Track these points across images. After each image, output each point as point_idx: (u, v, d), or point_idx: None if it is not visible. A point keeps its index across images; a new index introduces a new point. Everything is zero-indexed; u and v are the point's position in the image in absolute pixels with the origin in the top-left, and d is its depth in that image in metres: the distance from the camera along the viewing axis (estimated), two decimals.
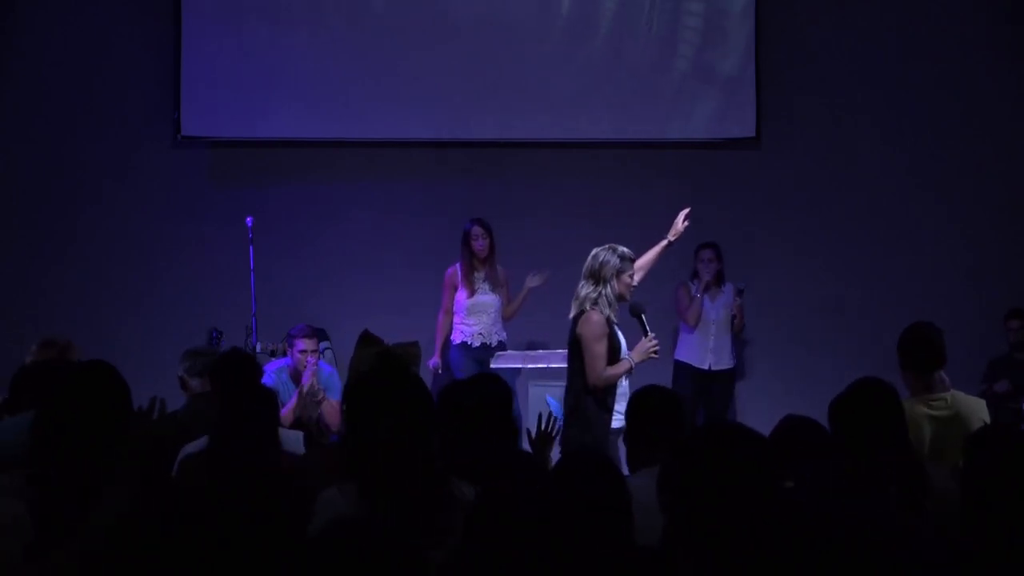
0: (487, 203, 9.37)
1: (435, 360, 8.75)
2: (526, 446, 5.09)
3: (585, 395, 6.17)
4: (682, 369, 9.06)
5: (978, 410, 5.27)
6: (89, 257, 9.51)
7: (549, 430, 4.80)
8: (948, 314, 8.69)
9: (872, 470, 4.00)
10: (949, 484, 4.18)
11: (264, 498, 2.98)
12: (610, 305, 6.21)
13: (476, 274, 8.75)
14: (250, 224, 8.71)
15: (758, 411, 8.69)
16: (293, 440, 5.30)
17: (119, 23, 9.56)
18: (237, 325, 8.51)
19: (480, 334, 8.71)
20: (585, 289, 6.25)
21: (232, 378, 5.45)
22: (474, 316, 8.72)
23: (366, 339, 5.36)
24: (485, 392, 4.30)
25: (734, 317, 9.03)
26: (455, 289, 8.78)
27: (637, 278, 6.43)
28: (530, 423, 7.34)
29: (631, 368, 6.22)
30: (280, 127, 9.57)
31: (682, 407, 4.57)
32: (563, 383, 8.08)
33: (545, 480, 3.34)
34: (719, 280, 9.09)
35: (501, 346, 8.70)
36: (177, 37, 9.48)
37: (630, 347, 6.29)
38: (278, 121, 9.55)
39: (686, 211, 7.07)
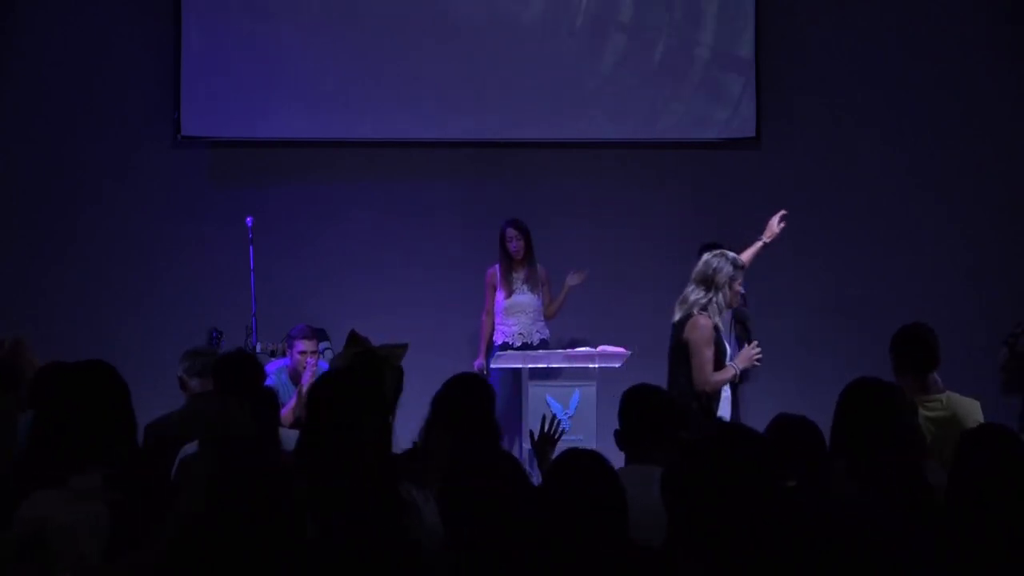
0: (487, 203, 9.37)
1: (480, 361, 8.82)
2: (528, 446, 5.10)
3: (691, 399, 6.18)
4: None
5: (973, 411, 5.27)
6: (89, 257, 9.50)
7: (552, 432, 4.80)
8: (948, 314, 8.70)
9: (872, 470, 4.00)
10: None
11: (264, 498, 2.98)
12: (719, 312, 6.24)
13: (514, 275, 8.82)
14: (250, 224, 8.71)
15: (758, 411, 8.66)
16: (293, 440, 5.30)
17: (119, 23, 9.55)
18: (237, 325, 8.50)
19: (520, 334, 8.77)
20: (695, 294, 6.26)
21: (233, 378, 5.45)
22: (513, 316, 8.78)
23: (352, 339, 5.36)
24: (465, 393, 4.33)
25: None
26: (495, 289, 8.83)
27: None
28: (530, 423, 7.34)
29: (736, 375, 6.25)
30: (280, 127, 9.57)
31: (672, 402, 4.58)
32: (562, 383, 8.19)
33: (525, 479, 3.35)
34: None
35: (544, 344, 8.76)
36: (177, 37, 9.47)
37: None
38: (278, 121, 9.54)
39: (782, 213, 7.10)
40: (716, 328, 6.21)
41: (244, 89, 9.50)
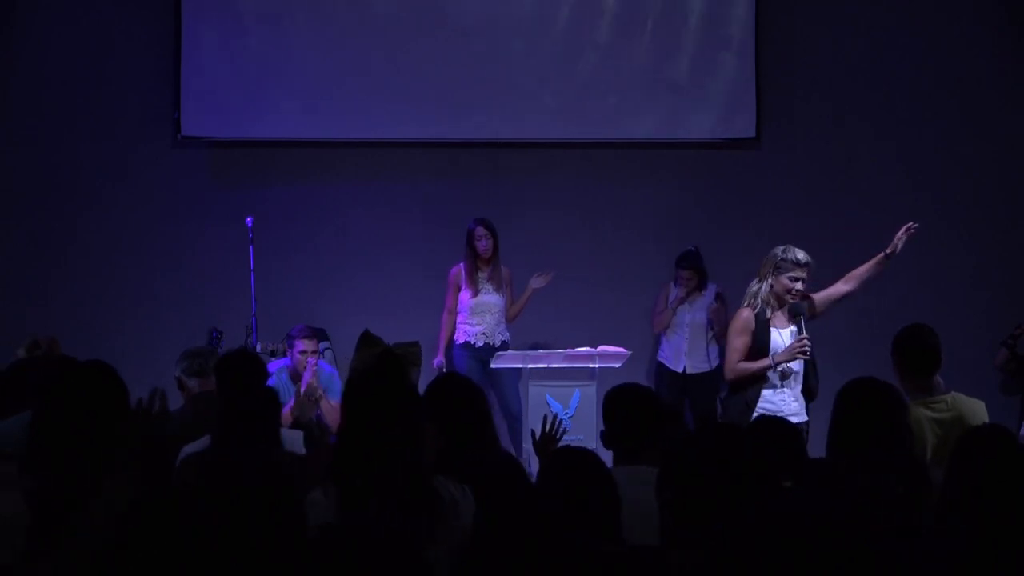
0: (487, 203, 9.36)
1: (439, 359, 8.77)
2: (528, 446, 5.10)
3: (728, 389, 6.41)
4: (660, 370, 9.05)
5: (979, 412, 5.26)
6: (89, 257, 9.50)
7: (553, 432, 4.81)
8: (948, 314, 8.70)
9: (871, 470, 4.00)
10: None
11: (264, 498, 2.98)
12: (766, 302, 6.28)
13: (480, 274, 8.77)
14: (250, 224, 8.71)
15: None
16: (293, 440, 5.30)
17: (119, 23, 9.55)
18: (237, 325, 8.50)
19: (483, 334, 8.73)
20: (751, 286, 6.40)
21: (235, 378, 5.45)
22: (477, 316, 8.74)
23: (367, 340, 5.36)
24: (458, 393, 4.34)
25: (712, 321, 8.92)
26: (459, 289, 8.80)
27: (845, 288, 6.58)
28: (531, 423, 7.34)
29: (770, 366, 6.24)
30: (280, 127, 9.57)
31: (656, 401, 4.58)
32: (563, 383, 8.18)
33: (524, 478, 3.35)
34: (701, 284, 8.98)
35: (504, 346, 8.71)
36: (177, 37, 9.47)
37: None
38: (278, 121, 9.54)
39: (910, 224, 6.86)
40: (759, 318, 6.26)
41: (244, 89, 9.49)
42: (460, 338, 8.76)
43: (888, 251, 6.81)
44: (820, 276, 9.68)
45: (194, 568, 2.76)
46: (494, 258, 8.79)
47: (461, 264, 8.82)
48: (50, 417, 3.50)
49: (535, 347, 8.79)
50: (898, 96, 9.76)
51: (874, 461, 4.03)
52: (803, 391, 6.34)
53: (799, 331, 6.29)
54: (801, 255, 6.34)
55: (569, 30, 9.62)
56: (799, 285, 6.32)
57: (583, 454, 3.27)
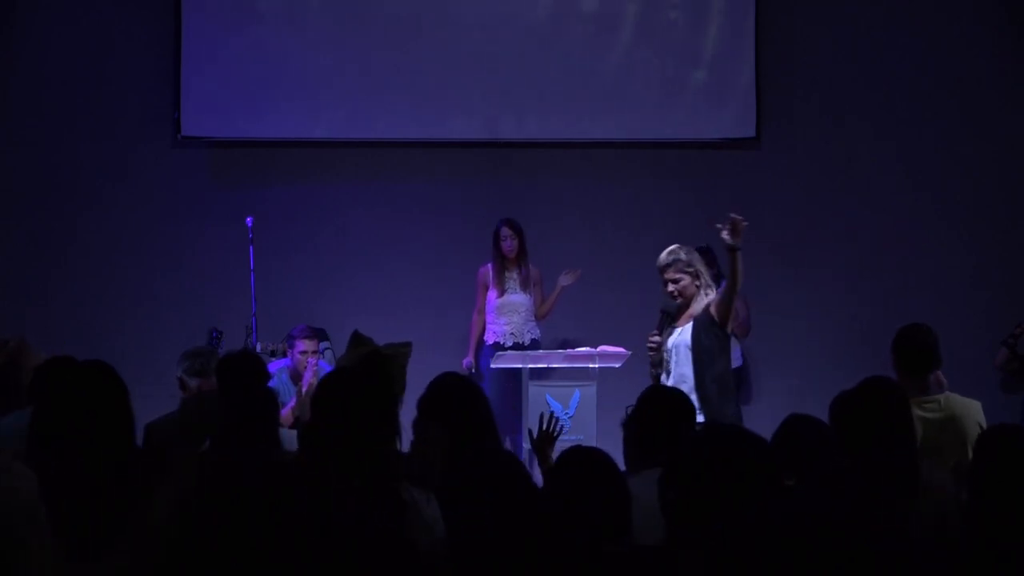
0: (487, 203, 9.37)
1: (468, 360, 8.83)
2: (528, 446, 5.10)
3: None
4: None
5: (973, 412, 5.26)
6: (89, 257, 9.50)
7: (551, 430, 4.81)
8: (949, 313, 8.70)
9: (873, 470, 4.00)
10: (949, 486, 4.17)
11: (264, 498, 2.98)
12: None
13: (507, 274, 8.82)
14: (250, 224, 8.72)
15: (759, 413, 8.68)
16: (293, 440, 5.30)
17: (119, 23, 9.55)
18: (237, 325, 8.51)
19: (512, 333, 8.78)
20: None
21: (236, 378, 5.45)
22: (504, 316, 8.79)
23: (356, 339, 5.35)
24: (451, 394, 4.34)
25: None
26: (487, 288, 8.84)
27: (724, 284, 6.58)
28: (530, 423, 7.34)
29: (652, 374, 6.44)
30: (280, 127, 9.57)
31: (690, 405, 4.58)
32: (562, 383, 8.20)
33: (526, 478, 3.35)
34: (715, 282, 8.94)
35: (535, 344, 8.75)
36: (177, 37, 9.48)
37: None
38: (278, 121, 9.55)
39: (733, 216, 6.45)
40: (664, 317, 6.51)
41: (244, 89, 9.50)
42: (490, 339, 8.82)
43: (727, 245, 6.42)
44: (821, 276, 9.72)
45: (194, 568, 2.76)
46: (521, 258, 8.83)
47: (489, 264, 8.85)
48: (50, 418, 3.50)
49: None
50: (898, 96, 9.76)
51: (875, 461, 4.03)
52: (696, 391, 6.30)
53: (657, 330, 6.45)
54: (660, 257, 6.45)
55: (569, 30, 9.62)
56: (669, 287, 6.46)
57: (594, 453, 3.27)
